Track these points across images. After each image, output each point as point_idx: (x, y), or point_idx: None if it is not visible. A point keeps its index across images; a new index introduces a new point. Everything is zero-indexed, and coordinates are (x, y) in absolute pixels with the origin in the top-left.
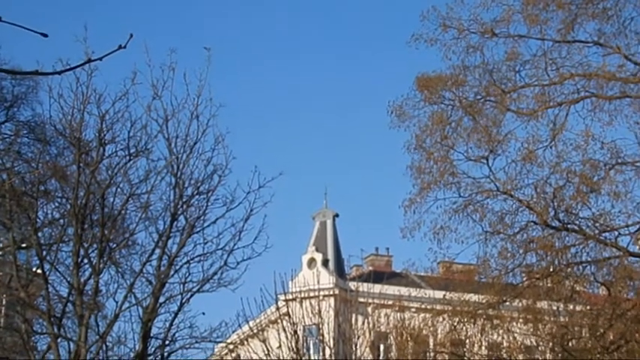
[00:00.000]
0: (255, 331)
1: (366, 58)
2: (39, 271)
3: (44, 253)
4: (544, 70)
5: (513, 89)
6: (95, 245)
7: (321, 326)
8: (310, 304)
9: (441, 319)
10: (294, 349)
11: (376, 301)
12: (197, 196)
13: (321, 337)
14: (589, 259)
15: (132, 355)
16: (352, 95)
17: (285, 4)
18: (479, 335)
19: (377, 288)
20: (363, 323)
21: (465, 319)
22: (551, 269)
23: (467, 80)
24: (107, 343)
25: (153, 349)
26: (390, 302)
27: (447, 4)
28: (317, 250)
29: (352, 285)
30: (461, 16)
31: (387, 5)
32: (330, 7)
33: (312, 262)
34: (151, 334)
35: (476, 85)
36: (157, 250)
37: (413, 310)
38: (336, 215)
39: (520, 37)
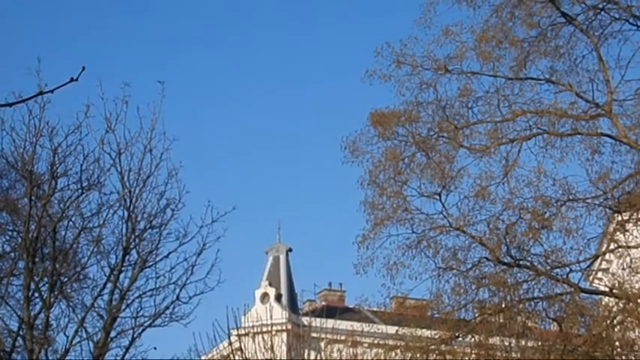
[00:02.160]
0: None
1: (320, 93)
2: None
3: None
4: (496, 106)
5: (466, 125)
6: (46, 279)
7: None
8: (263, 339)
9: (393, 354)
10: None
11: (329, 336)
12: (150, 230)
13: None
14: (541, 295)
15: None
16: (306, 130)
17: (240, 39)
18: None
19: (330, 323)
20: (316, 358)
21: (418, 355)
22: (503, 305)
23: (420, 116)
24: None
25: None
26: (343, 337)
27: (400, 40)
28: (270, 284)
29: (305, 320)
30: (415, 52)
31: (341, 41)
32: (284, 43)
33: (265, 296)
34: None
35: (429, 121)
36: (109, 284)
37: (366, 345)
38: (290, 250)
39: (473, 73)
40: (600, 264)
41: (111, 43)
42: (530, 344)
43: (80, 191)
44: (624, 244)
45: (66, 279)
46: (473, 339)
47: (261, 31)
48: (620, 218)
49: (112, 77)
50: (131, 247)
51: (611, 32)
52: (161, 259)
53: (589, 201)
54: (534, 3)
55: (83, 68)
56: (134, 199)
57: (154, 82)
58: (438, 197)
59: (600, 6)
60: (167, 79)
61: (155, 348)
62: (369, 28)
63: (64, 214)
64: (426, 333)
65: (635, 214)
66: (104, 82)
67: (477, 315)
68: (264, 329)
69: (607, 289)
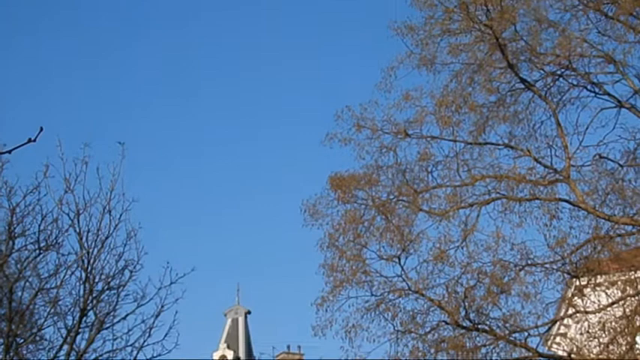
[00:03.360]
0: None
1: (279, 155)
2: None
3: None
4: (456, 171)
5: (425, 189)
6: (2, 340)
7: None
8: None
9: None
10: None
11: None
12: (107, 292)
13: None
14: None
15: None
16: (266, 192)
17: (199, 102)
18: None
19: None
20: None
21: None
22: None
23: (380, 180)
24: None
25: None
26: None
27: (361, 104)
28: (228, 347)
29: None
30: (375, 116)
31: (301, 104)
32: (244, 103)
33: (223, 359)
34: None
35: (389, 184)
36: (65, 346)
37: None
38: (248, 312)
39: (433, 138)
40: (558, 329)
41: (71, 103)
42: None
43: (38, 252)
44: (582, 309)
45: (22, 340)
46: None
47: (220, 98)
48: (578, 283)
49: (73, 138)
50: (88, 308)
51: (570, 98)
52: (119, 321)
53: (547, 266)
54: (493, 69)
55: (41, 129)
56: (92, 260)
57: (114, 143)
58: (397, 260)
59: (559, 72)
60: (127, 140)
61: None
62: (330, 91)
63: (20, 275)
64: None
65: (592, 279)
66: (64, 142)
67: None
68: None
69: (565, 354)
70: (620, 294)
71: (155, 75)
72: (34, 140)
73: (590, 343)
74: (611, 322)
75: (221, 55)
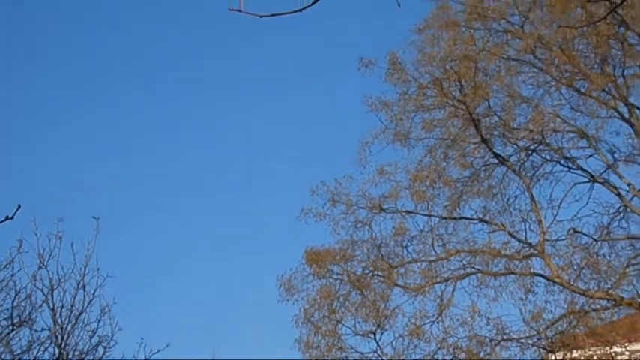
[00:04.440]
0: None
1: (254, 231)
2: None
3: None
4: (431, 245)
5: (401, 264)
6: None
7: None
8: None
9: None
10: None
11: None
12: None
13: None
14: None
15: None
16: (241, 268)
17: (177, 172)
18: None
19: None
20: None
21: None
22: None
23: (355, 255)
24: None
25: None
26: None
27: (336, 179)
28: None
29: None
30: (349, 191)
31: (276, 179)
32: (218, 176)
33: None
34: None
35: (364, 259)
36: None
37: None
38: None
39: (407, 212)
40: None
41: (46, 178)
42: None
43: (11, 327)
44: None
45: None
46: None
47: (194, 168)
48: (553, 358)
49: (47, 213)
50: None
51: (543, 173)
52: None
53: (523, 340)
54: (467, 144)
55: (19, 207)
56: (66, 336)
57: (90, 218)
58: (372, 336)
59: (532, 147)
60: (102, 214)
61: None
62: (305, 165)
63: None
64: None
65: (568, 354)
66: (38, 217)
67: None
68: None
69: None
70: None
71: (126, 149)
72: (12, 218)
73: None
74: None
75: (184, 127)
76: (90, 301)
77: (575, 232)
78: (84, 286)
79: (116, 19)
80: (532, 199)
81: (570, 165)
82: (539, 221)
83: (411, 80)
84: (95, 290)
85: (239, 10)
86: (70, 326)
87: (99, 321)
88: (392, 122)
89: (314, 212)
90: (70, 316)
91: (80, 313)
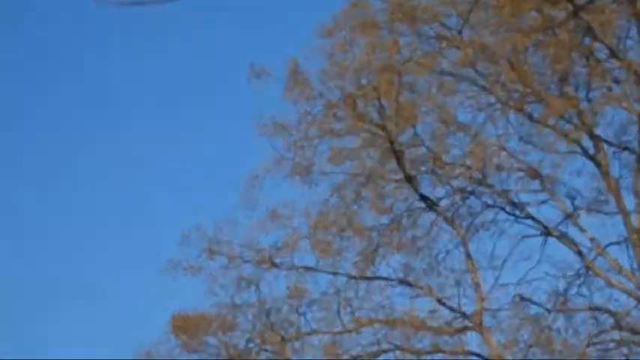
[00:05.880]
0: None
1: (116, 292)
2: None
3: None
4: (336, 312)
5: (296, 336)
6: None
7: None
8: None
9: None
10: None
11: None
12: None
13: None
14: None
15: None
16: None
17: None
18: None
19: None
20: None
21: None
22: None
23: (237, 323)
24: None
25: None
26: None
27: (214, 222)
28: None
29: None
30: (233, 239)
31: (142, 221)
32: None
33: None
34: None
35: (249, 329)
36: None
37: None
38: None
39: (307, 269)
40: None
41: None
42: None
43: None
44: None
45: None
46: None
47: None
48: None
49: None
50: None
51: (483, 223)
52: None
53: None
54: (386, 182)
55: None
56: None
57: None
58: None
59: (470, 189)
60: None
61: None
62: (174, 203)
63: None
64: None
65: None
66: None
67: None
68: None
69: None
70: None
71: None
72: None
73: None
74: None
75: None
76: None
77: (523, 299)
78: None
79: None
80: (468, 255)
81: (518, 213)
82: (477, 285)
83: (316, 97)
84: None
85: None
86: None
87: None
88: (290, 151)
89: (184, 265)
90: None
91: None
